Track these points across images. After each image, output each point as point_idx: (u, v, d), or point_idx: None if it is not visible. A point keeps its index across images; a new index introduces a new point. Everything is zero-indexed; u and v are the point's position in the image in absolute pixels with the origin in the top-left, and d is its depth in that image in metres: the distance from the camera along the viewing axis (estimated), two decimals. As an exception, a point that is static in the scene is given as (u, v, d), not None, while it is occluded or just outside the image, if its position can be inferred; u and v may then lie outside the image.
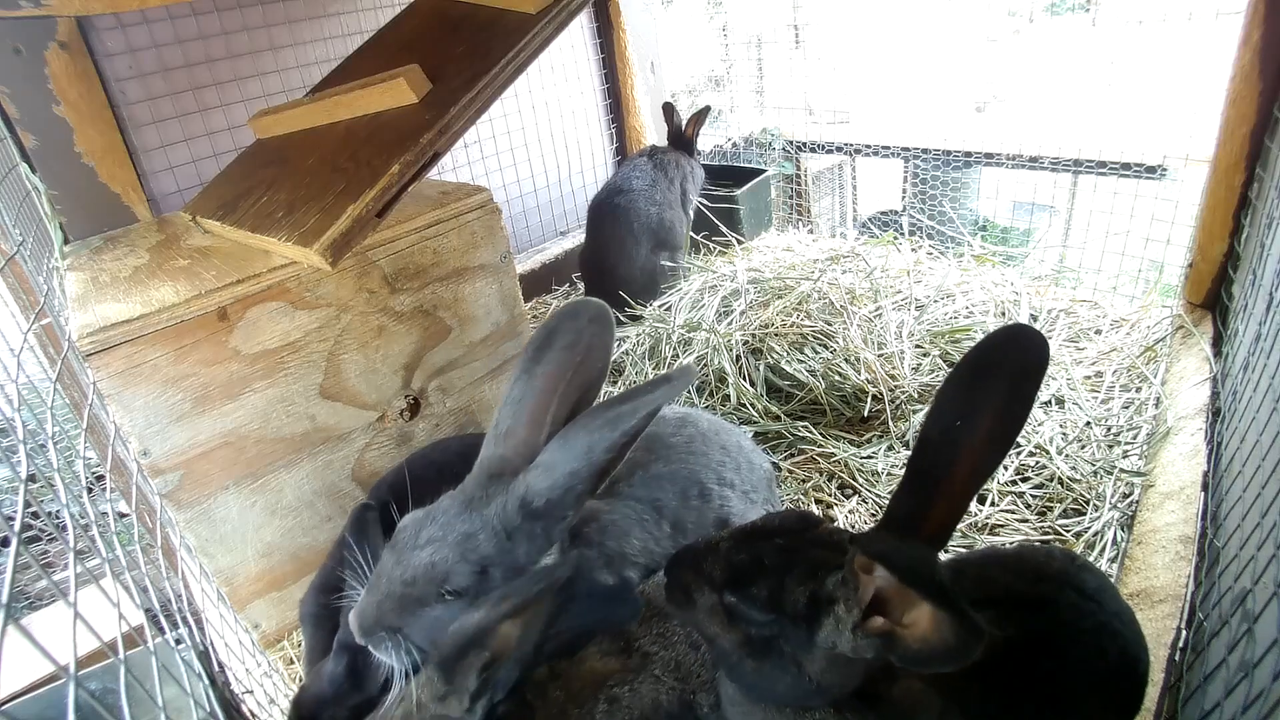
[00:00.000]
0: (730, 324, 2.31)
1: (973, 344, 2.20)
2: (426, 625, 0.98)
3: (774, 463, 1.93)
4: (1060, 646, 0.88)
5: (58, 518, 1.89)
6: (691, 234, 2.97)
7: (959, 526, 1.65)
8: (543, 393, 1.07)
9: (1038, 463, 1.79)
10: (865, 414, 2.01)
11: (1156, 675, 1.14)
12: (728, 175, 3.30)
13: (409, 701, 0.92)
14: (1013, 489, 1.74)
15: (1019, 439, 1.86)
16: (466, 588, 0.99)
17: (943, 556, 0.99)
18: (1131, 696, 0.93)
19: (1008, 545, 1.56)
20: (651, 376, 2.26)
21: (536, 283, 3.07)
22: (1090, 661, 0.88)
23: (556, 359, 1.07)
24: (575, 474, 0.99)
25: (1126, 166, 2.63)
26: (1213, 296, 2.07)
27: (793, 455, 1.95)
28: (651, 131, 3.35)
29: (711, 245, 3.04)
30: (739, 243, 3.04)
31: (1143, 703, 0.95)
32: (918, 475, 0.79)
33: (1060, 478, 1.72)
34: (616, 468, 1.04)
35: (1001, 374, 0.79)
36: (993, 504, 1.70)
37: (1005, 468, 1.79)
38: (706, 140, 3.55)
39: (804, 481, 1.86)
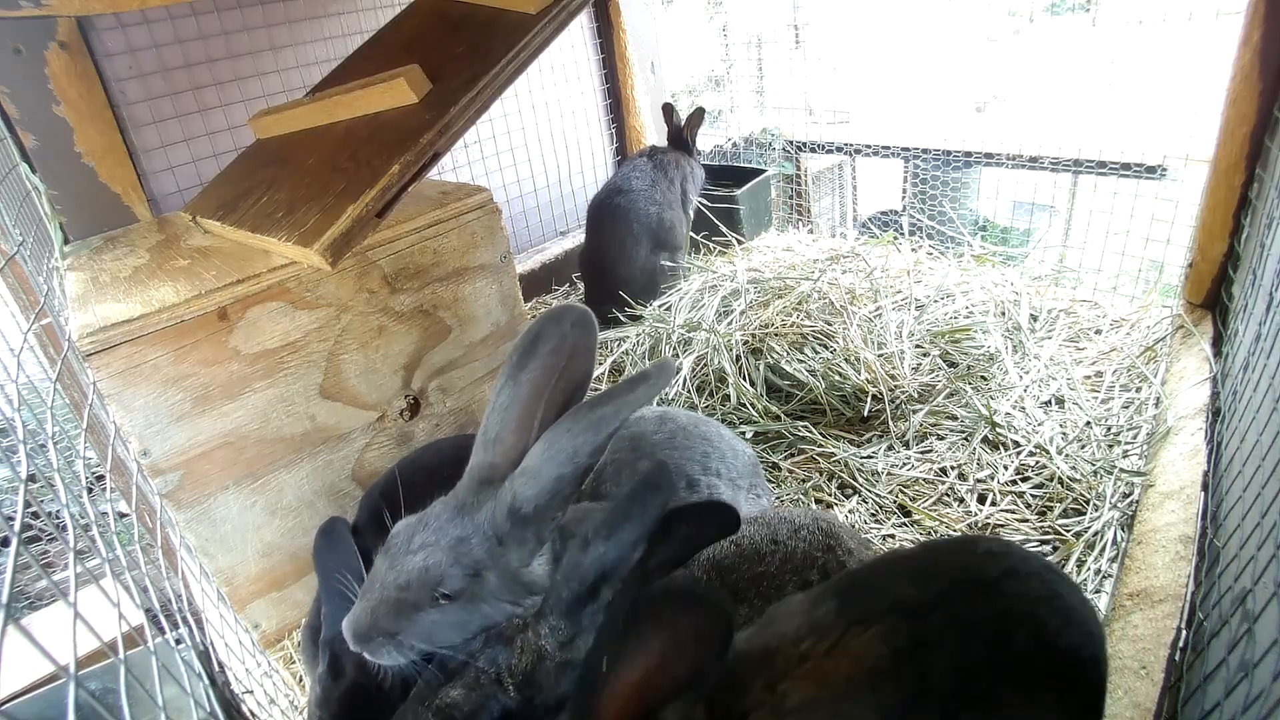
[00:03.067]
0: (730, 324, 2.31)
1: (973, 344, 2.22)
2: (422, 629, 0.99)
3: (774, 463, 1.93)
4: (948, 647, 0.81)
5: (58, 518, 1.89)
6: (691, 234, 2.97)
7: (960, 526, 1.65)
8: (529, 398, 1.08)
9: (1038, 463, 1.79)
10: (865, 414, 2.01)
11: (1157, 675, 1.14)
12: (728, 175, 3.30)
13: (529, 654, 0.93)
14: (1013, 489, 1.74)
15: (1019, 439, 1.86)
16: (460, 590, 0.99)
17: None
18: (1073, 681, 0.83)
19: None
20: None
21: (536, 283, 3.07)
22: (992, 653, 0.81)
23: (541, 364, 1.08)
24: (561, 479, 1.00)
25: (1126, 166, 2.63)
26: (1213, 296, 2.08)
27: (793, 455, 1.95)
28: (651, 131, 3.35)
29: (711, 245, 3.04)
30: (739, 243, 3.04)
31: (1100, 686, 0.86)
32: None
33: (1060, 478, 1.72)
34: (598, 464, 1.04)
35: None
36: (993, 504, 1.71)
37: (1005, 467, 1.79)
38: (706, 140, 3.56)
39: (804, 481, 1.86)
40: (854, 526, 1.71)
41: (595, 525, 0.94)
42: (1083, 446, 1.83)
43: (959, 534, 1.17)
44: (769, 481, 1.76)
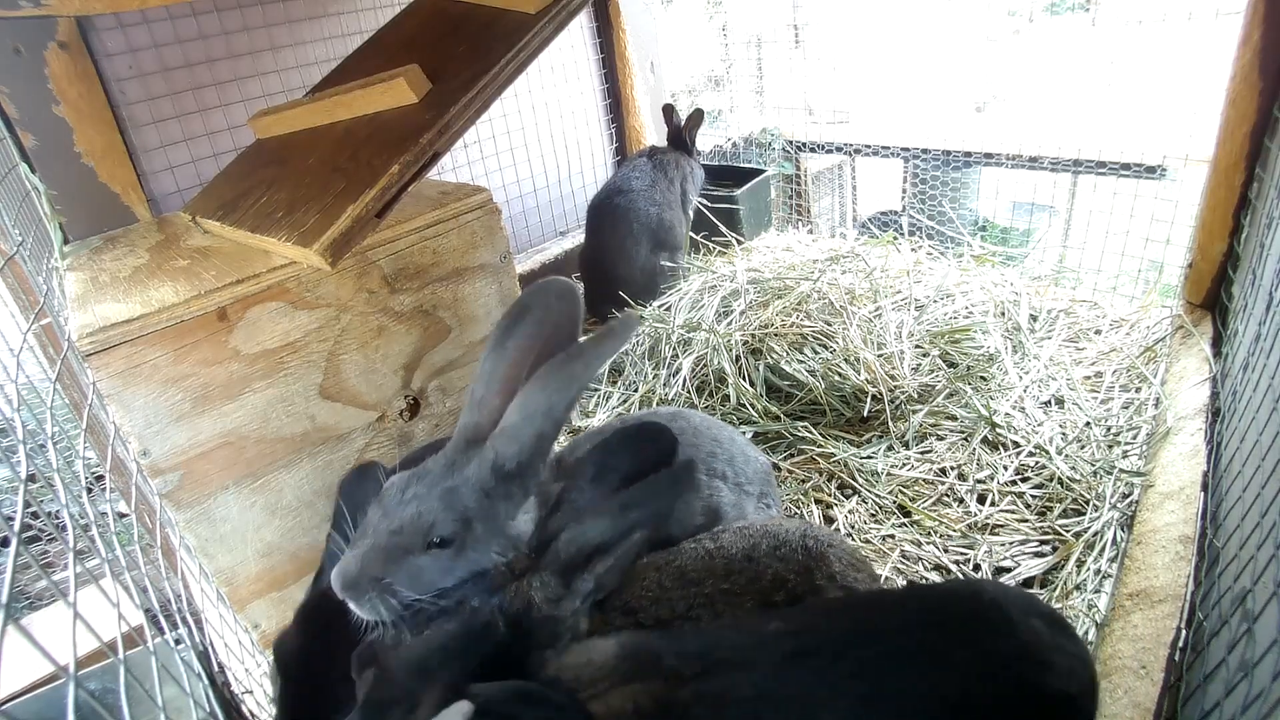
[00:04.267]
0: (730, 324, 2.31)
1: (973, 344, 2.22)
2: (411, 573, 1.02)
3: (774, 463, 1.93)
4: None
5: (58, 518, 1.89)
6: (691, 234, 2.97)
7: (960, 527, 1.65)
8: (513, 364, 1.13)
9: (1038, 463, 1.79)
10: (865, 414, 2.01)
11: (1156, 675, 1.14)
12: (728, 175, 3.30)
13: (520, 600, 0.99)
14: (1013, 489, 1.74)
15: (1018, 439, 1.86)
16: (451, 535, 1.03)
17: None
18: None
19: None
20: (651, 377, 2.27)
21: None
22: None
23: (526, 332, 1.13)
24: (541, 435, 1.06)
25: (1126, 166, 2.63)
26: (1213, 296, 2.08)
27: (792, 455, 1.95)
28: (651, 131, 3.35)
29: (711, 245, 3.04)
30: (739, 243, 3.04)
31: None
32: None
33: (1060, 478, 1.72)
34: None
35: None
36: (993, 504, 1.71)
37: (1005, 468, 1.79)
38: (706, 140, 3.55)
39: (804, 482, 1.86)
40: (853, 527, 1.72)
41: (609, 503, 1.00)
42: (1082, 447, 1.83)
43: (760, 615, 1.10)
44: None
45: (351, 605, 1.01)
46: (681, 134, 2.93)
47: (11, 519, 0.67)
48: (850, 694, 0.82)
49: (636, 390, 2.25)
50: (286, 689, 1.09)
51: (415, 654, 0.93)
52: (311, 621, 1.11)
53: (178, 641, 1.14)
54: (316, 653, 1.08)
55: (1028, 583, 1.52)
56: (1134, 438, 1.83)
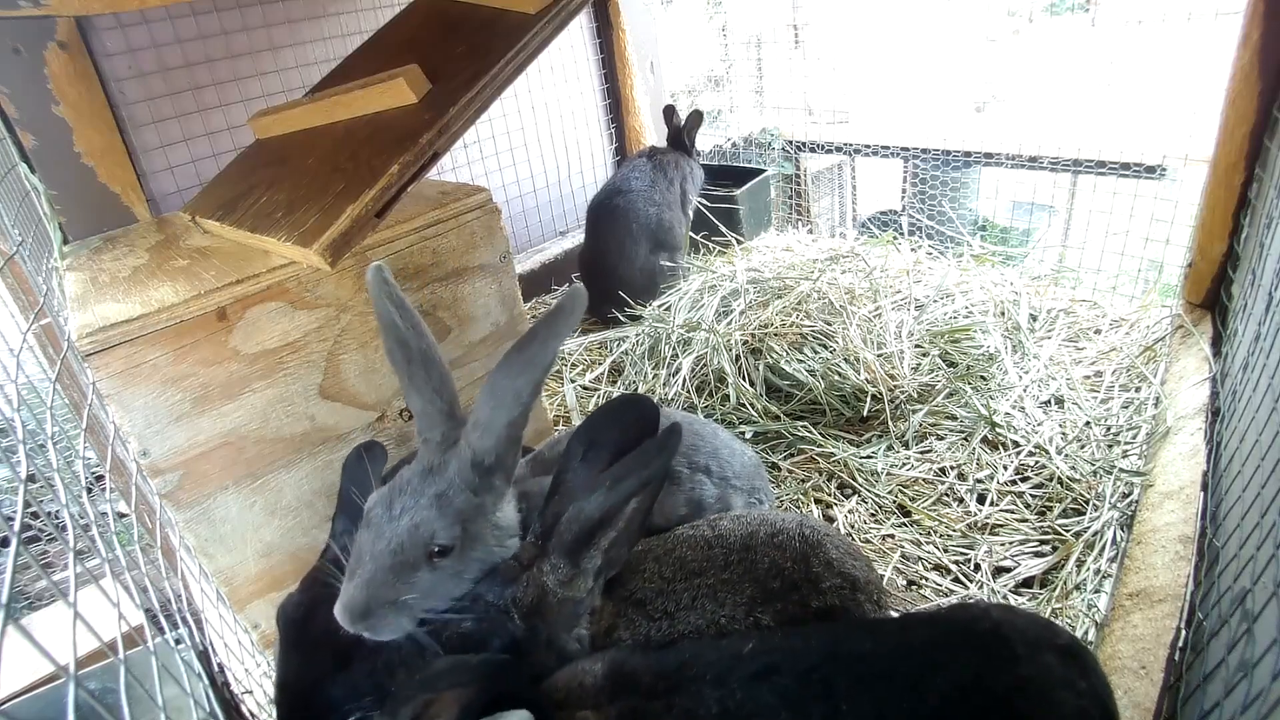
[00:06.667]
0: (730, 324, 2.31)
1: (972, 344, 2.22)
2: (423, 587, 1.01)
3: (774, 463, 1.93)
4: None
5: (58, 518, 1.89)
6: (691, 234, 2.97)
7: (960, 526, 1.65)
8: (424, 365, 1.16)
9: (1037, 462, 1.79)
10: (865, 414, 2.01)
11: (1156, 675, 1.14)
12: (727, 175, 3.30)
13: (534, 588, 1.01)
14: (1012, 489, 1.74)
15: (1018, 439, 1.86)
16: (452, 540, 1.02)
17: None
18: None
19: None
20: (651, 377, 2.27)
21: (536, 283, 3.07)
22: None
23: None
24: (513, 423, 1.06)
25: (1126, 166, 2.63)
26: (1212, 296, 2.08)
27: (792, 455, 1.95)
28: (651, 131, 3.35)
29: (711, 245, 3.04)
30: (738, 243, 3.04)
31: None
32: None
33: (1060, 477, 1.72)
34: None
35: None
36: (992, 504, 1.71)
37: (1005, 467, 1.79)
38: (706, 140, 3.56)
39: (804, 481, 1.86)
40: (853, 527, 1.72)
41: (601, 478, 1.01)
42: (1082, 446, 1.83)
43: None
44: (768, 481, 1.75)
45: (367, 635, 0.99)
46: (681, 134, 2.93)
47: (11, 519, 0.67)
48: (812, 714, 0.82)
49: (637, 390, 2.26)
50: (287, 648, 1.10)
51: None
52: (316, 584, 1.11)
53: (178, 641, 1.14)
54: (319, 609, 1.07)
55: (1027, 582, 1.52)
56: (1134, 437, 1.83)
